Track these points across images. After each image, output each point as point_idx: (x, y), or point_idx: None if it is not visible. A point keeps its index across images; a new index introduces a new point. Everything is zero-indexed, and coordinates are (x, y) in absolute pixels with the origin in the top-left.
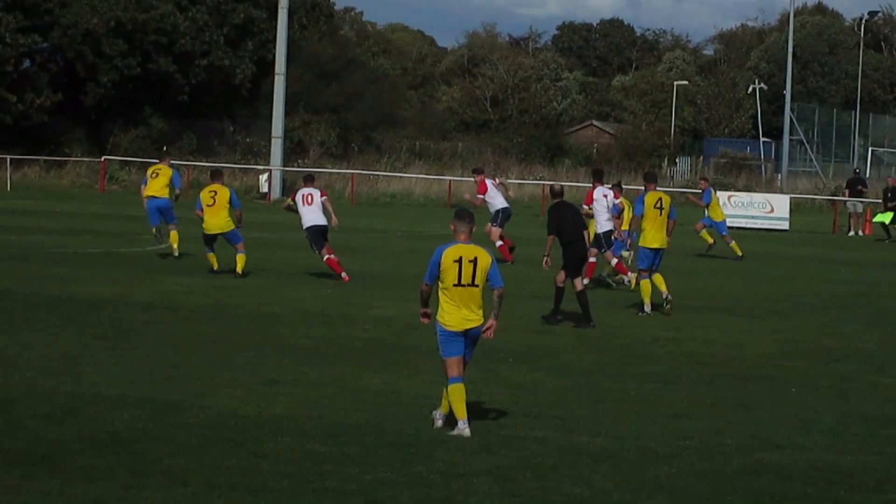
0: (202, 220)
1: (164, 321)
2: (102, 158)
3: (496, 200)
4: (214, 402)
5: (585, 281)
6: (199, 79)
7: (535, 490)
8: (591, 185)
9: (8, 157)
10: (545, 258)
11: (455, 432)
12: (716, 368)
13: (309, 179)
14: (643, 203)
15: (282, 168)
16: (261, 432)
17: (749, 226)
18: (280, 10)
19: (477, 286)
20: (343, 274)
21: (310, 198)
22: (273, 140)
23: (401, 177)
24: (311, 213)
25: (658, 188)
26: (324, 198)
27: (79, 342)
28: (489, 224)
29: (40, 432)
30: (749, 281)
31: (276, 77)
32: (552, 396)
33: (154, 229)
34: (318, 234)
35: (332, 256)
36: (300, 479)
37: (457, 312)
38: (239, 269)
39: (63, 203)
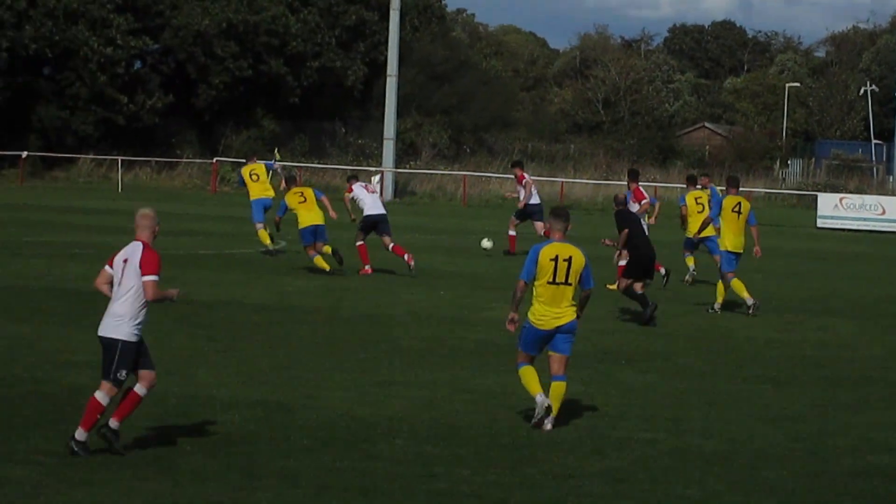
0: (267, 226)
1: (278, 322)
2: (214, 160)
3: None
4: (327, 404)
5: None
6: (311, 80)
7: (647, 492)
8: (628, 183)
9: (119, 158)
10: (618, 251)
11: (537, 410)
12: (828, 371)
13: (355, 178)
14: (720, 206)
15: (394, 170)
16: (373, 433)
17: (860, 228)
18: (392, 12)
19: (570, 285)
20: (406, 256)
21: (368, 188)
22: (385, 142)
23: (513, 179)
24: (375, 201)
25: (740, 191)
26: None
27: (191, 344)
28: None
29: (152, 433)
30: (860, 283)
31: (388, 79)
32: (664, 398)
33: (264, 226)
34: (385, 221)
35: (362, 249)
36: (412, 480)
37: (548, 311)
38: (328, 249)
39: (174, 204)
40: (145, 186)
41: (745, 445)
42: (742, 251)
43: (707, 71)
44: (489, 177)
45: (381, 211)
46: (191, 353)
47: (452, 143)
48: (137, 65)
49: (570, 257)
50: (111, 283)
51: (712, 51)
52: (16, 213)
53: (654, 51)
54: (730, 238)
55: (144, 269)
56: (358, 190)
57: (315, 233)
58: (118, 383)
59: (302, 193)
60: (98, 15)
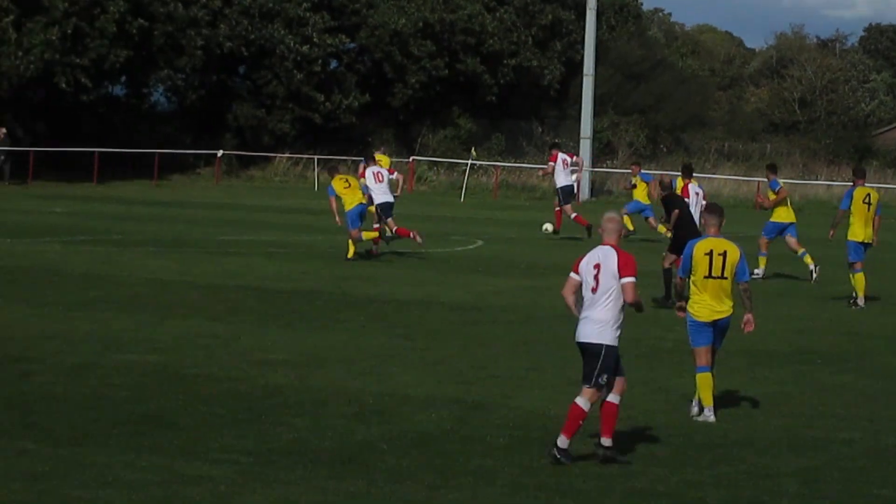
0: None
1: (473, 322)
2: (410, 159)
3: (559, 178)
4: (523, 403)
5: None
6: (507, 79)
7: (843, 492)
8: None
9: (315, 157)
10: (668, 230)
11: (700, 418)
12: None
13: (372, 159)
14: (851, 198)
15: (591, 169)
16: None
17: None
18: (588, 11)
19: (726, 278)
20: (412, 233)
21: (380, 176)
22: (582, 141)
23: (710, 178)
24: (382, 189)
25: (867, 184)
26: (394, 175)
27: (387, 342)
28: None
29: (348, 432)
30: None
31: (585, 78)
32: (860, 398)
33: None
34: (389, 209)
35: (399, 227)
36: (608, 479)
37: (706, 304)
38: (368, 235)
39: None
40: None
41: None
42: (871, 242)
43: None
44: None
45: (390, 199)
46: (387, 352)
47: (649, 142)
48: (334, 64)
49: (725, 252)
50: (575, 292)
51: None
52: (212, 211)
53: (849, 50)
54: (859, 228)
55: (623, 271)
56: (368, 176)
57: (361, 215)
58: (599, 387)
59: (347, 180)
60: (294, 13)
